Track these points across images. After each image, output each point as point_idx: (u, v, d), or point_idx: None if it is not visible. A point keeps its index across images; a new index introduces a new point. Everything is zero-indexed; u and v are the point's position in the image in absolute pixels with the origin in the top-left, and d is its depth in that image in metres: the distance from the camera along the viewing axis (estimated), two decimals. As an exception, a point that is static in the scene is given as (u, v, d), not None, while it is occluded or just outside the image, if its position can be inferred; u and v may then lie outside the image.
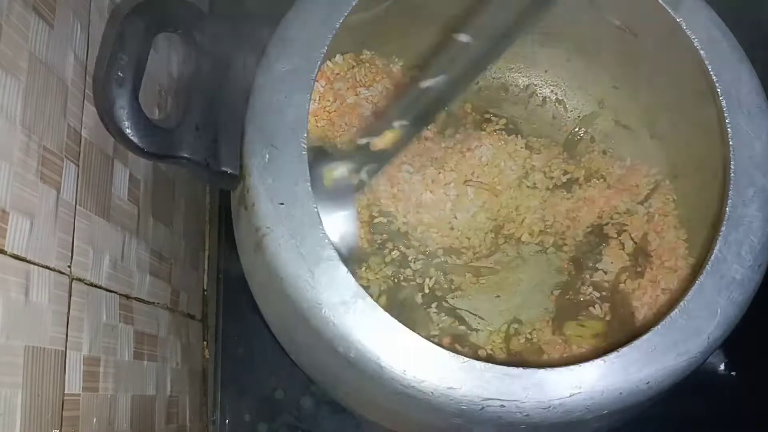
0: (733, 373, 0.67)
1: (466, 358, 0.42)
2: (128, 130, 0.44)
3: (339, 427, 0.64)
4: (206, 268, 0.71)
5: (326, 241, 0.43)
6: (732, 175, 0.47)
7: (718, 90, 0.48)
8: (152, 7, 0.45)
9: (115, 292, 0.49)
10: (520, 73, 0.68)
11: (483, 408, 0.42)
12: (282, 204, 0.44)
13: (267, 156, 0.45)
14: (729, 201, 0.46)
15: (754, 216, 0.46)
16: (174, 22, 0.47)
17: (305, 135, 0.45)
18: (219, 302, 0.68)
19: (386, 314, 0.42)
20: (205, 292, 0.70)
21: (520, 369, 0.42)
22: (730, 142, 0.47)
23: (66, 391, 0.41)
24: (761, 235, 0.46)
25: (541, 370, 0.42)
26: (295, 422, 0.65)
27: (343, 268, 0.43)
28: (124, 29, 0.44)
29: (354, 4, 0.48)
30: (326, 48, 0.47)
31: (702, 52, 0.49)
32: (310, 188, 0.44)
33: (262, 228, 0.44)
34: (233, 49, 0.49)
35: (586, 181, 0.62)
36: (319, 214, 0.44)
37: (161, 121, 0.47)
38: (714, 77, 0.48)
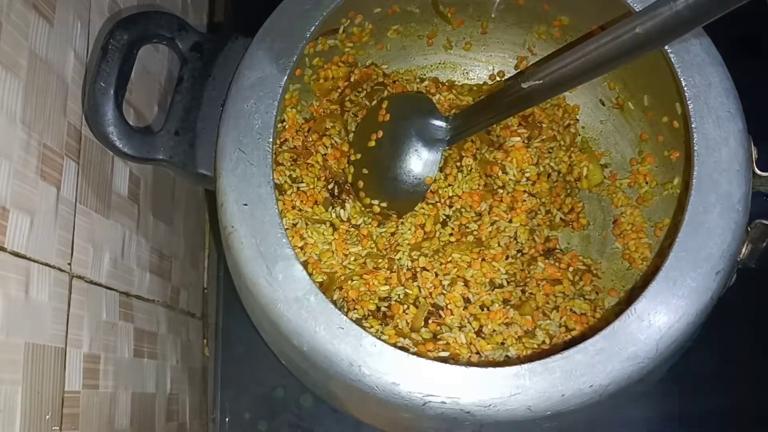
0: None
1: (408, 354, 0.44)
2: (111, 136, 0.48)
3: (339, 426, 0.64)
4: (206, 266, 0.72)
5: (284, 240, 0.46)
6: (694, 180, 0.46)
7: (686, 94, 0.47)
8: (136, 21, 0.49)
9: (115, 290, 0.50)
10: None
11: (426, 404, 0.44)
12: (246, 205, 0.47)
13: (235, 159, 0.48)
14: (689, 206, 0.46)
15: (714, 223, 0.45)
16: (157, 34, 0.51)
17: (271, 140, 0.48)
18: (219, 300, 0.69)
19: (336, 310, 0.45)
20: (205, 290, 0.72)
21: (461, 367, 0.44)
22: (695, 147, 0.47)
23: (66, 389, 0.42)
24: (720, 243, 0.45)
25: (482, 369, 0.44)
26: (296, 420, 0.65)
27: (299, 267, 0.46)
28: (108, 42, 0.48)
29: (324, 16, 0.50)
30: (296, 57, 0.49)
31: (672, 55, 0.48)
32: (273, 191, 0.47)
33: (228, 227, 0.48)
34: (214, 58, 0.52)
35: None
36: (279, 215, 0.46)
37: (142, 128, 0.51)
38: (683, 81, 0.48)
